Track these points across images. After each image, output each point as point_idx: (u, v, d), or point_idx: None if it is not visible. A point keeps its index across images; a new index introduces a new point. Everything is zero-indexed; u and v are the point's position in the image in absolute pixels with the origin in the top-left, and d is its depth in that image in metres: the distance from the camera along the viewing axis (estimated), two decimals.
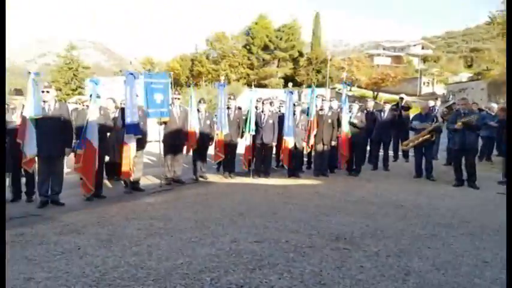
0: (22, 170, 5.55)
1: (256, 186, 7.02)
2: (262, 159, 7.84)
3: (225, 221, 4.59)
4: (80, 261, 3.29)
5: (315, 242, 3.86)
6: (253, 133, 7.57)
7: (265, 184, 7.22)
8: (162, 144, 6.98)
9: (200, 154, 7.53)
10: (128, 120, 6.05)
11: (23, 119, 5.22)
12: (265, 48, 48.97)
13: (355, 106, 8.28)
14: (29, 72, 5.31)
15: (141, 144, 6.44)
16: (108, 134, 6.23)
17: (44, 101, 5.39)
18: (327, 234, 4.14)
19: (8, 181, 5.77)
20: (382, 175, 8.43)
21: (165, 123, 6.91)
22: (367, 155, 9.17)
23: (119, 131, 6.35)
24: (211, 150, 7.79)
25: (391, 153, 9.59)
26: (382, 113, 8.96)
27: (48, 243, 3.79)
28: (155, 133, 7.11)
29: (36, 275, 3.01)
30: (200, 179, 7.50)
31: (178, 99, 7.26)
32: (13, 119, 5.63)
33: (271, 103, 8.25)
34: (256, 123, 7.62)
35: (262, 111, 7.84)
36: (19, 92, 5.92)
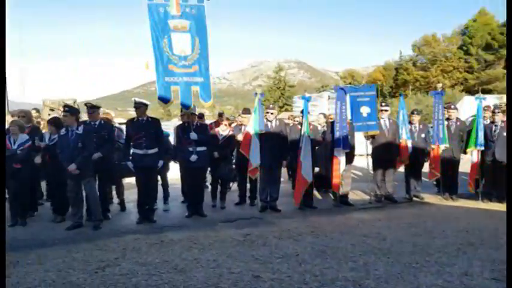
0: (248, 177, 6.40)
1: (487, 212, 5.84)
2: (494, 179, 6.46)
3: (451, 249, 3.94)
4: (300, 268, 3.44)
5: None
6: (482, 148, 6.38)
7: (500, 211, 5.90)
8: (369, 159, 6.75)
9: (414, 171, 6.88)
10: (337, 134, 6.16)
11: (247, 133, 6.00)
12: (487, 47, 41.35)
13: None
14: (256, 94, 6.12)
15: (349, 158, 6.42)
16: (316, 147, 6.48)
17: (268, 120, 6.09)
18: None
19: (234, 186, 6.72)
20: None
21: (373, 137, 6.66)
22: None
23: (328, 145, 6.52)
24: (426, 167, 7.01)
25: None
26: None
27: (270, 245, 4.16)
28: (362, 147, 6.95)
29: (263, 274, 3.30)
30: (414, 198, 6.84)
31: (386, 111, 6.88)
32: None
33: (503, 111, 6.76)
34: (486, 137, 6.38)
35: (493, 122, 6.52)
36: (247, 111, 6.87)
